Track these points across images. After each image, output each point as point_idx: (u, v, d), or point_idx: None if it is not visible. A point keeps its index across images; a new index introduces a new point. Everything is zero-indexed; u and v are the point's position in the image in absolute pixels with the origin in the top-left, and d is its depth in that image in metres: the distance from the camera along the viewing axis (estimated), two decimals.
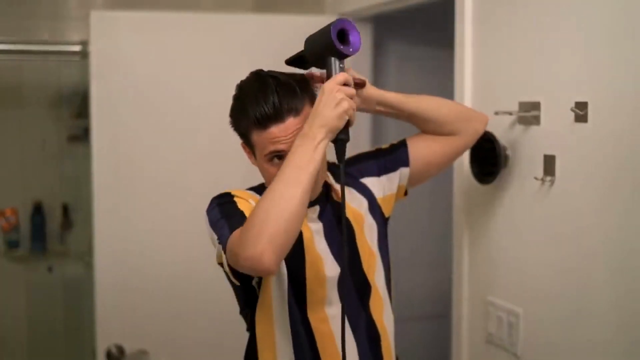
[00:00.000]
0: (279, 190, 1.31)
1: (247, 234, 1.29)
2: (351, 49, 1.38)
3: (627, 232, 1.50)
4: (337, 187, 1.60)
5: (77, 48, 2.60)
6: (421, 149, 1.67)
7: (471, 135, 1.71)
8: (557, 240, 1.69)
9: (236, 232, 1.35)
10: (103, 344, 2.40)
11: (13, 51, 2.70)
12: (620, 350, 1.53)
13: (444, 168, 1.76)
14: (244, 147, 1.56)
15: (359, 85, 1.54)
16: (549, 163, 1.68)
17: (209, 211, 1.49)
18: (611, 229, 1.53)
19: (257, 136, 1.46)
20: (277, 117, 1.42)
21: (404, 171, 1.67)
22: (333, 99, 1.34)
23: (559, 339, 1.70)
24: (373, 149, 1.73)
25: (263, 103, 1.42)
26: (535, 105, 1.72)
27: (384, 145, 1.71)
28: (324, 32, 1.39)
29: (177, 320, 2.47)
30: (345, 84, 1.37)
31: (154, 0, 2.76)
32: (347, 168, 1.65)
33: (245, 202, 1.47)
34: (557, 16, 1.66)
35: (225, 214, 1.44)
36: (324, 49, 1.39)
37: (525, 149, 1.76)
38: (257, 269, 1.29)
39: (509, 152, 1.81)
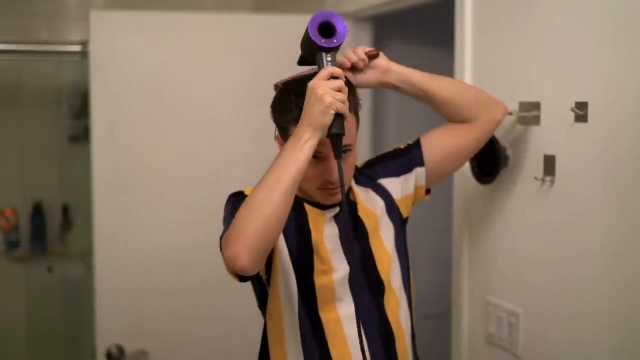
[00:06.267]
0: (259, 193, 1.32)
1: (228, 236, 1.34)
2: (335, 40, 1.35)
3: (627, 231, 1.50)
4: (355, 188, 1.62)
5: (76, 48, 2.60)
6: (436, 143, 1.65)
7: (489, 122, 1.66)
8: (557, 240, 1.68)
9: (226, 233, 1.38)
10: (103, 344, 2.39)
11: (13, 51, 2.70)
12: (620, 350, 1.53)
13: (464, 159, 1.73)
14: (277, 139, 1.57)
15: (372, 56, 1.54)
16: (549, 163, 1.68)
17: (224, 207, 1.53)
18: (611, 229, 1.53)
19: None
20: None
21: (419, 171, 1.65)
22: (314, 95, 1.32)
23: (559, 339, 1.69)
24: (391, 149, 1.71)
25: None
26: (535, 105, 1.72)
27: (402, 145, 1.69)
28: (306, 29, 1.38)
29: (177, 320, 2.47)
30: (333, 77, 1.34)
31: (154, 0, 2.76)
32: (366, 169, 1.67)
33: None
34: (557, 16, 1.66)
35: (230, 213, 1.46)
36: (310, 46, 1.38)
37: (525, 149, 1.76)
38: (233, 269, 1.33)
39: (509, 152, 1.81)
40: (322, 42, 1.35)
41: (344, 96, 1.33)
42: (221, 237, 1.42)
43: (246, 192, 1.52)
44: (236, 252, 1.30)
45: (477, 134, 1.66)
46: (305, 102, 1.34)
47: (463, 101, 1.63)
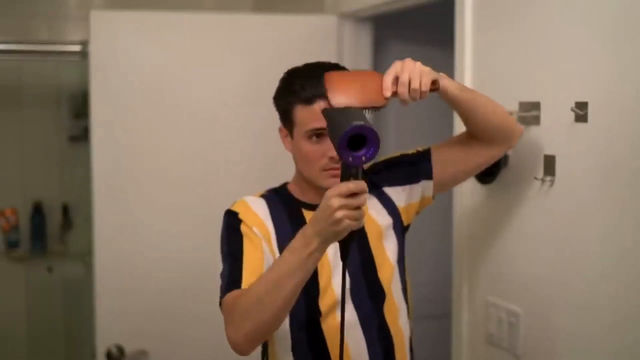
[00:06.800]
0: (263, 292, 1.31)
1: (231, 319, 1.37)
2: (364, 158, 1.19)
3: (627, 231, 1.50)
4: None
5: (76, 48, 2.60)
6: (446, 158, 1.64)
7: (503, 148, 1.64)
8: (557, 240, 1.68)
9: (229, 298, 1.40)
10: (103, 344, 2.39)
11: (13, 51, 2.70)
12: (620, 350, 1.53)
13: (471, 175, 1.74)
14: (280, 131, 1.57)
15: (431, 90, 1.43)
16: (549, 163, 1.68)
17: (222, 226, 1.53)
18: (611, 229, 1.53)
19: (301, 112, 1.48)
20: (323, 94, 1.40)
21: (426, 184, 1.65)
22: (330, 215, 1.20)
23: (559, 339, 1.69)
24: (398, 153, 1.69)
25: (312, 81, 1.43)
26: (535, 105, 1.72)
27: (411, 151, 1.68)
28: (337, 128, 1.21)
29: (177, 320, 2.47)
30: (353, 193, 1.20)
31: (154, 0, 2.76)
32: (372, 175, 1.66)
33: (250, 240, 1.48)
34: (558, 16, 1.66)
35: (229, 251, 1.48)
36: (335, 144, 1.22)
37: (525, 149, 1.76)
38: (234, 350, 1.38)
39: (509, 152, 1.81)
40: (350, 159, 1.19)
41: (361, 213, 1.23)
42: (222, 295, 1.43)
43: (240, 215, 1.51)
44: (237, 341, 1.35)
45: (488, 156, 1.64)
46: (320, 212, 1.23)
47: (490, 121, 1.57)
